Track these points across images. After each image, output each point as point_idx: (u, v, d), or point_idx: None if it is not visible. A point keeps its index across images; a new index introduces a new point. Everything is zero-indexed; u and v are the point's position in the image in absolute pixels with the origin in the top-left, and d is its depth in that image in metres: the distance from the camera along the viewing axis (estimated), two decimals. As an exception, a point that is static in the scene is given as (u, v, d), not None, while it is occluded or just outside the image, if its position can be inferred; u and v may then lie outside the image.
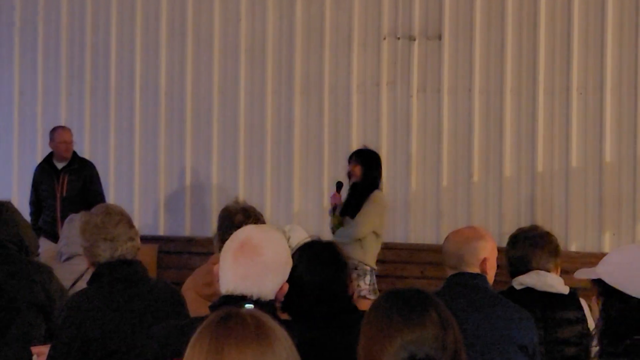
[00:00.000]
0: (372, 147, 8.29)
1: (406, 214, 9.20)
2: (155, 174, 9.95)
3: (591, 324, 4.40)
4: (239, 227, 3.40)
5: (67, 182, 9.11)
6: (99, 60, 10.15)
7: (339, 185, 7.98)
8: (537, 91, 8.93)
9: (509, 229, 6.72)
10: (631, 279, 2.88)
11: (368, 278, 7.67)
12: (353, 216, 7.75)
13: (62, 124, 9.59)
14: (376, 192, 7.83)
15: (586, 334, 4.44)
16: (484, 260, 4.09)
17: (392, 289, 2.50)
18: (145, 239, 4.52)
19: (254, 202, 4.90)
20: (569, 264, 5.50)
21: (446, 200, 9.12)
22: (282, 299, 3.15)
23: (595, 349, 2.90)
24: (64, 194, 9.08)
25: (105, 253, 3.87)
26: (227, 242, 3.11)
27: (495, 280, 4.19)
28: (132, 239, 3.92)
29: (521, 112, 8.99)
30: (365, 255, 7.70)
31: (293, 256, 3.25)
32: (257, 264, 3.02)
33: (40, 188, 9.22)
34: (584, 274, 2.98)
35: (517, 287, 4.54)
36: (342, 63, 9.45)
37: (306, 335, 2.96)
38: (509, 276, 4.62)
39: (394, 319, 2.38)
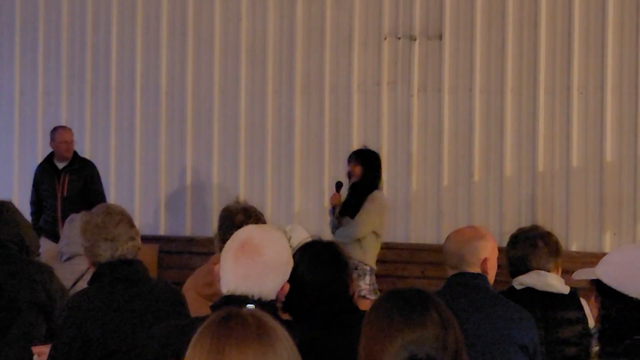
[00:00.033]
0: (372, 146, 8.29)
1: (407, 214, 9.19)
2: (156, 174, 9.95)
3: (592, 324, 4.40)
4: (239, 227, 3.40)
5: (68, 182, 9.11)
6: (99, 59, 10.15)
7: (339, 185, 7.98)
8: (538, 91, 8.92)
9: (510, 228, 6.73)
10: (631, 278, 2.88)
11: (368, 278, 7.66)
12: (353, 216, 7.75)
13: (63, 124, 9.58)
14: (376, 192, 7.83)
15: (587, 334, 4.43)
16: (485, 260, 4.09)
17: (392, 289, 2.50)
18: (145, 239, 4.51)
19: (254, 202, 4.90)
20: (569, 264, 5.49)
21: (447, 200, 9.12)
22: (283, 299, 3.15)
23: (595, 349, 2.90)
24: (65, 193, 9.08)
25: (105, 253, 3.87)
26: (228, 242, 3.11)
27: (495, 280, 4.19)
28: (132, 238, 3.92)
29: (522, 112, 8.99)
30: (365, 255, 7.70)
31: (294, 256, 3.25)
32: (258, 264, 3.02)
33: (41, 188, 9.21)
34: (582, 275, 2.98)
35: (518, 287, 4.53)
36: (343, 63, 9.45)
37: (307, 335, 2.96)
38: (509, 276, 4.62)
39: (395, 319, 2.38)
